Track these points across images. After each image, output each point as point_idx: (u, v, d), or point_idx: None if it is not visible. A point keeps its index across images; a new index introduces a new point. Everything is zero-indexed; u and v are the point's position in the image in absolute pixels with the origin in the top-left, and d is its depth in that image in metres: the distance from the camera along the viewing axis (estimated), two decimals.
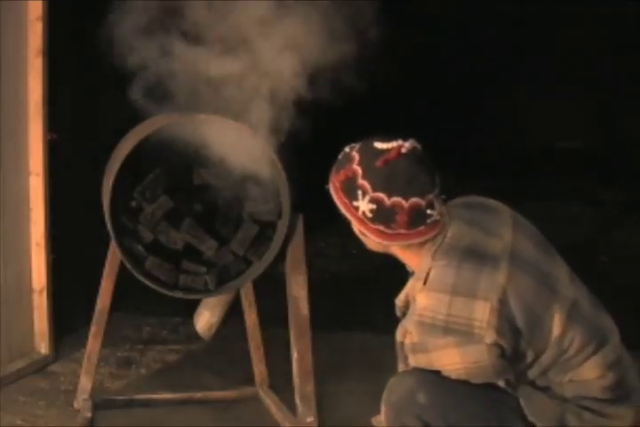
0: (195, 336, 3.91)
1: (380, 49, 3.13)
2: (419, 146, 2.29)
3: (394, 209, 2.22)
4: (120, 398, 3.72)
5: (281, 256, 3.45)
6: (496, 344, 2.19)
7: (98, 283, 3.51)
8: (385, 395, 2.37)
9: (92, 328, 3.56)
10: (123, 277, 3.44)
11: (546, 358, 2.28)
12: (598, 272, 5.47)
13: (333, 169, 2.34)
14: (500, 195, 2.56)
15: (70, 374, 3.97)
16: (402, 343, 2.33)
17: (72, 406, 3.62)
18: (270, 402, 3.66)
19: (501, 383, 2.32)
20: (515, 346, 2.23)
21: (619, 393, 2.33)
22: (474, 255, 2.27)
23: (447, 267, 2.25)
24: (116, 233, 3.30)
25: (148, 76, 3.12)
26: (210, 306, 3.68)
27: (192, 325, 3.81)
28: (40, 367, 4.05)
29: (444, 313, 2.20)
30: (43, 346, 4.11)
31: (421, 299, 2.25)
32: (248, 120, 3.17)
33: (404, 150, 2.25)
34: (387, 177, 2.22)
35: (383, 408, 2.37)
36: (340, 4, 3.02)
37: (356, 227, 2.34)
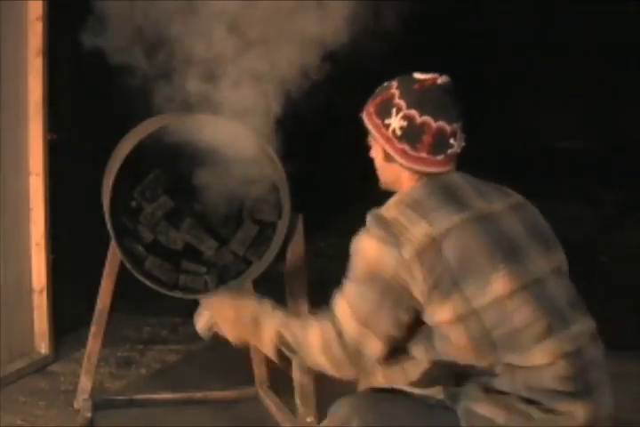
0: (195, 336, 3.91)
1: (382, 47, 3.14)
2: (452, 82, 2.43)
3: (422, 128, 2.35)
4: (120, 398, 3.72)
5: (281, 256, 3.45)
6: (407, 266, 2.23)
7: (98, 283, 3.52)
8: (324, 422, 2.43)
9: (92, 328, 3.56)
10: (123, 277, 3.44)
11: (487, 316, 2.24)
12: (598, 272, 5.48)
13: (370, 98, 2.46)
14: None
15: (70, 374, 3.97)
16: None
17: (72, 406, 3.62)
18: (270, 402, 3.66)
19: (441, 396, 2.31)
20: (433, 280, 2.23)
21: (577, 387, 2.27)
22: (450, 195, 2.36)
23: (422, 189, 2.37)
24: (115, 233, 3.30)
25: (148, 76, 3.12)
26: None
27: (192, 325, 3.81)
28: (40, 367, 4.05)
29: (393, 215, 2.31)
30: (43, 346, 4.12)
31: (388, 202, 2.39)
32: (248, 120, 3.17)
33: (439, 81, 2.39)
34: (421, 98, 2.36)
35: None
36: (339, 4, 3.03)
37: (381, 149, 2.43)
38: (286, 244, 3.42)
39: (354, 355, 2.33)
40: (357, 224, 2.34)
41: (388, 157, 2.41)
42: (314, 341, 2.37)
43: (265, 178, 3.33)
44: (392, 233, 2.28)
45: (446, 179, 2.39)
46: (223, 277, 3.42)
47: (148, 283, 3.33)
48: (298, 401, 3.46)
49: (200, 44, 3.09)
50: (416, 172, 2.39)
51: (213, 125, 3.22)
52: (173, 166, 3.37)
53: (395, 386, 2.40)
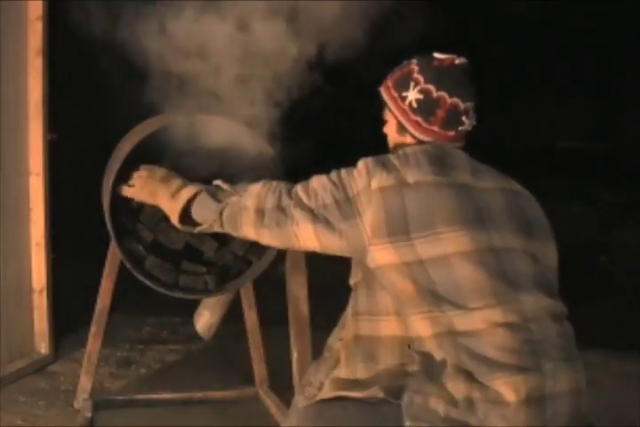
0: (195, 336, 3.91)
1: (381, 47, 3.15)
2: (469, 64, 2.56)
3: (437, 102, 2.45)
4: (120, 398, 3.72)
5: (281, 256, 3.45)
6: (369, 194, 2.32)
7: (98, 283, 3.52)
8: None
9: (92, 328, 3.56)
10: (123, 277, 3.44)
11: (433, 270, 2.26)
12: (598, 272, 5.48)
13: (389, 74, 2.56)
14: None
15: (70, 374, 3.97)
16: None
17: (72, 406, 3.62)
18: (270, 402, 3.66)
19: (381, 394, 2.30)
20: (389, 218, 2.30)
21: (523, 361, 2.23)
22: (439, 160, 2.41)
23: (417, 148, 2.44)
24: (116, 233, 3.30)
25: (148, 76, 3.12)
26: (210, 306, 3.68)
27: (192, 325, 3.81)
28: (40, 367, 4.05)
29: (380, 159, 2.41)
30: (43, 346, 4.12)
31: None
32: (248, 120, 3.17)
33: (457, 61, 2.51)
34: (439, 75, 2.47)
35: None
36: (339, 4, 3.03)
37: (395, 121, 2.51)
38: None
39: (282, 216, 2.44)
40: None
41: (401, 129, 2.50)
42: (253, 187, 2.56)
43: (265, 178, 3.33)
44: (371, 167, 2.38)
45: (447, 149, 2.46)
46: (223, 277, 3.41)
47: (148, 283, 3.33)
48: None
49: (201, 44, 3.09)
50: (423, 145, 2.46)
51: (213, 125, 3.22)
52: (174, 166, 3.36)
53: (337, 394, 2.38)
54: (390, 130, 2.56)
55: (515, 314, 2.27)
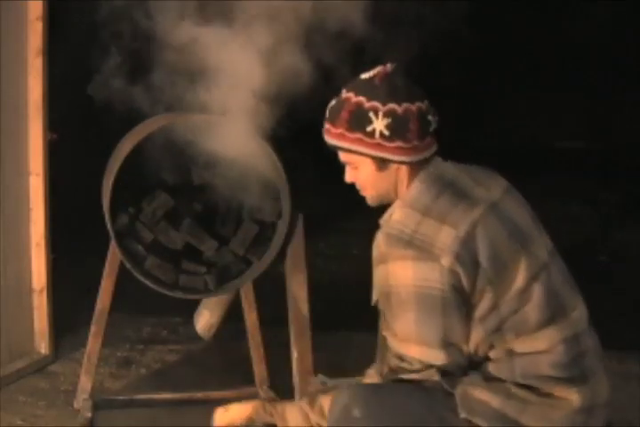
0: (195, 336, 3.91)
1: (380, 48, 3.14)
2: (399, 65, 2.40)
3: (406, 116, 2.32)
4: (120, 398, 3.71)
5: (281, 256, 3.45)
6: (452, 270, 2.22)
7: (98, 283, 3.51)
8: (327, 416, 2.41)
9: (92, 328, 3.56)
10: (123, 277, 3.44)
11: (505, 309, 2.27)
12: (598, 272, 5.47)
13: (328, 122, 2.40)
14: None
15: (70, 374, 3.96)
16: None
17: (72, 406, 3.62)
18: None
19: (437, 377, 2.30)
20: (473, 283, 2.24)
21: (573, 373, 2.30)
22: (455, 190, 2.35)
23: (428, 190, 2.34)
24: (115, 233, 3.30)
25: (148, 75, 3.12)
26: (210, 306, 3.68)
27: (192, 325, 3.81)
28: (40, 367, 4.05)
29: (412, 229, 2.27)
30: (43, 346, 4.11)
31: (395, 213, 2.34)
32: (248, 120, 3.17)
33: (389, 69, 2.36)
34: (390, 88, 2.33)
35: None
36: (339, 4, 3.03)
37: (370, 161, 2.37)
38: (286, 244, 3.42)
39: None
40: (357, 224, 2.35)
41: (381, 165, 2.36)
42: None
43: (265, 178, 3.33)
44: (421, 248, 2.24)
45: (441, 172, 2.39)
46: (223, 277, 3.41)
47: (148, 283, 3.33)
48: None
49: (202, 45, 3.09)
50: (412, 165, 2.36)
51: (214, 125, 3.22)
52: (173, 166, 3.37)
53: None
54: (366, 173, 2.39)
55: (568, 328, 2.32)
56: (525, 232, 2.37)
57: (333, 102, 2.39)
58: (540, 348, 2.29)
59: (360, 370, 2.85)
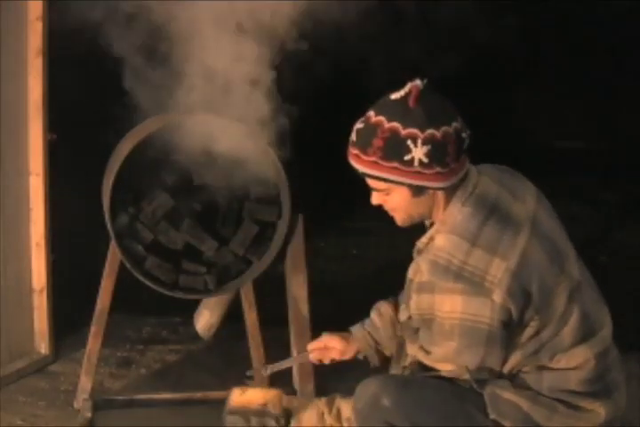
0: (195, 336, 3.91)
1: (383, 48, 3.14)
2: (428, 79, 2.27)
3: (445, 140, 2.20)
4: (120, 398, 3.71)
5: (281, 256, 3.45)
6: (503, 306, 2.18)
7: (98, 283, 3.51)
8: (353, 403, 2.40)
9: (92, 328, 3.56)
10: (123, 277, 3.44)
11: (545, 334, 2.28)
12: (598, 272, 5.47)
13: (356, 150, 2.25)
14: None
15: (70, 374, 3.96)
16: (411, 281, 2.33)
17: (72, 406, 3.62)
18: None
19: (467, 375, 2.30)
20: (522, 314, 2.22)
21: (598, 387, 2.32)
22: (499, 214, 2.27)
23: (473, 216, 2.25)
24: (115, 233, 3.30)
25: (147, 76, 3.12)
26: (210, 306, 3.68)
27: (192, 325, 3.81)
28: (40, 367, 4.05)
29: (461, 259, 2.20)
30: (43, 346, 4.11)
31: (441, 240, 2.24)
32: (248, 120, 3.17)
33: (420, 86, 2.22)
34: (427, 112, 2.19)
35: (352, 417, 2.41)
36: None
37: (407, 188, 2.25)
38: (286, 244, 3.42)
39: None
40: (357, 224, 2.34)
41: (417, 192, 2.25)
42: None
43: (265, 178, 3.33)
44: (471, 282, 2.19)
45: (482, 192, 2.29)
46: (223, 278, 3.42)
47: (148, 283, 3.33)
48: None
49: (201, 45, 3.09)
50: (450, 187, 2.27)
51: (214, 125, 3.22)
52: (173, 166, 3.37)
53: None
54: (399, 199, 2.27)
55: (598, 345, 2.34)
56: (561, 250, 2.35)
57: (361, 126, 2.25)
58: (571, 365, 2.30)
59: (360, 370, 2.86)
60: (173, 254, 3.38)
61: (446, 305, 2.21)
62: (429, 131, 2.18)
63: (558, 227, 2.42)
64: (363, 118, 2.26)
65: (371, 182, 2.28)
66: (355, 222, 6.71)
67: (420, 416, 2.28)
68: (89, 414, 3.47)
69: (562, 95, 8.76)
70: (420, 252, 2.36)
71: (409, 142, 2.18)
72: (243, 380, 2.77)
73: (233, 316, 3.72)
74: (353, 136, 2.27)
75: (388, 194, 2.28)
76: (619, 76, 8.63)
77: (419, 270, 2.28)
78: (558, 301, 2.28)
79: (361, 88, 8.45)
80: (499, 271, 2.19)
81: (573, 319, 2.30)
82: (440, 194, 2.29)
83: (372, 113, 2.24)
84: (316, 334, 3.48)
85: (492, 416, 2.28)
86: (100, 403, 3.60)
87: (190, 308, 3.76)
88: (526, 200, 2.37)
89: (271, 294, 3.68)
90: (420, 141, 2.18)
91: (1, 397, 3.71)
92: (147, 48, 3.11)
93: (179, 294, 3.39)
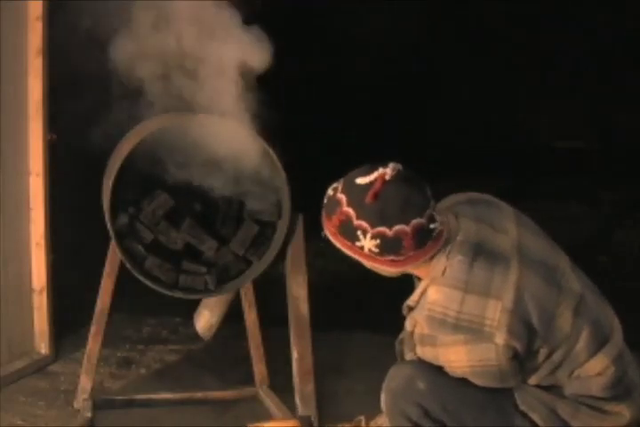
0: (195, 336, 3.91)
1: (380, 47, 3.15)
2: (400, 166, 2.25)
3: (398, 237, 2.20)
4: (120, 398, 3.71)
5: (281, 256, 3.45)
6: (507, 345, 2.20)
7: (98, 283, 3.51)
8: (385, 383, 2.40)
9: (92, 328, 3.56)
10: (123, 277, 3.44)
11: (557, 356, 2.29)
12: (598, 272, 5.47)
13: (324, 215, 2.31)
14: (500, 195, 2.56)
15: (70, 374, 3.96)
16: (412, 333, 2.34)
17: (72, 406, 3.62)
18: (270, 402, 3.66)
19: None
20: (529, 346, 2.24)
21: (619, 391, 2.34)
22: (485, 253, 2.27)
23: (461, 264, 2.25)
24: (115, 233, 3.30)
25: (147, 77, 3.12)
26: (210, 306, 3.68)
27: (192, 325, 3.81)
28: (40, 367, 4.05)
29: (455, 310, 2.21)
30: (43, 346, 4.11)
31: (433, 293, 2.26)
32: (247, 120, 3.17)
33: (387, 177, 2.21)
34: (380, 211, 2.19)
35: (383, 396, 2.40)
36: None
37: (366, 263, 2.32)
38: (286, 244, 3.42)
39: None
40: None
41: (378, 268, 2.32)
42: None
43: (265, 178, 3.33)
44: (470, 330, 2.20)
45: (464, 237, 2.28)
46: (223, 278, 3.41)
47: (148, 283, 3.33)
48: (298, 401, 3.46)
49: (201, 45, 3.09)
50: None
51: (214, 125, 3.22)
52: (173, 166, 3.37)
53: None
54: (371, 266, 2.34)
55: (614, 349, 2.35)
56: (554, 268, 2.34)
57: (330, 193, 2.28)
58: (591, 373, 2.31)
59: (360, 370, 2.88)
60: (173, 254, 3.38)
61: (451, 356, 2.24)
62: (379, 228, 2.19)
63: (545, 243, 2.41)
64: (334, 185, 2.29)
65: None
66: None
67: (452, 402, 2.30)
68: (89, 415, 3.47)
69: (562, 95, 8.76)
70: (411, 309, 2.38)
71: (359, 233, 2.21)
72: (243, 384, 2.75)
73: (233, 316, 3.72)
74: (325, 197, 2.31)
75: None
76: (619, 77, 8.63)
77: (416, 324, 2.31)
78: (563, 322, 2.28)
79: (362, 88, 8.46)
80: (496, 313, 2.20)
81: (585, 334, 2.30)
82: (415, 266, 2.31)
83: (340, 186, 2.27)
84: (316, 334, 3.48)
85: (522, 408, 2.30)
86: (100, 403, 3.60)
87: (190, 308, 3.76)
88: (507, 229, 2.35)
89: (271, 294, 3.68)
90: (369, 235, 2.20)
91: (1, 397, 3.71)
92: (146, 47, 3.10)
93: (179, 294, 3.39)
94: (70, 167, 4.46)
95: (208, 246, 3.37)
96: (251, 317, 3.75)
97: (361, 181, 2.22)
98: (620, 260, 6.10)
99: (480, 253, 2.26)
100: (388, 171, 2.21)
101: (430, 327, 2.25)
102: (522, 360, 2.26)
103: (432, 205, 2.25)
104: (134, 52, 3.07)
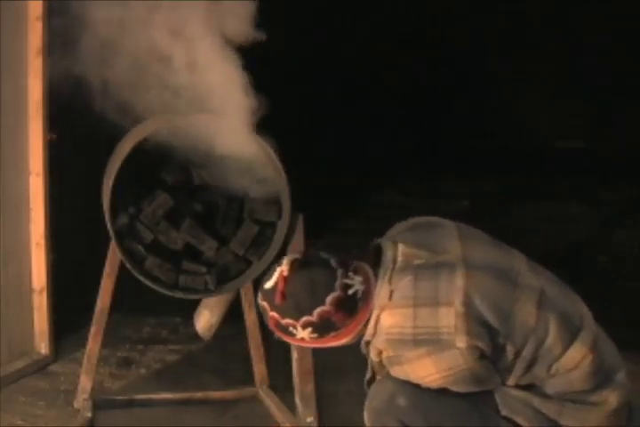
0: (195, 336, 3.91)
1: (383, 48, 3.15)
2: (296, 256, 2.36)
3: (325, 318, 2.30)
4: (120, 398, 3.72)
5: (281, 256, 3.45)
6: (470, 347, 2.22)
7: (98, 283, 3.52)
8: (367, 402, 2.45)
9: (92, 328, 3.56)
10: (123, 277, 3.44)
11: (528, 352, 2.29)
12: (598, 272, 5.47)
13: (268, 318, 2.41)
14: (501, 195, 2.57)
15: (70, 374, 3.97)
16: (380, 362, 2.39)
17: (72, 406, 3.62)
18: (270, 402, 3.66)
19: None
20: (493, 345, 2.25)
21: (600, 378, 2.34)
22: (426, 267, 2.31)
23: (404, 283, 2.30)
24: (115, 233, 3.30)
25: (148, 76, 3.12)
26: (210, 306, 3.68)
27: (192, 325, 3.81)
28: (40, 367, 4.05)
29: (411, 326, 2.25)
30: (43, 346, 4.11)
31: (386, 319, 2.31)
32: (247, 120, 3.17)
33: (285, 274, 2.32)
34: (294, 305, 2.31)
35: (365, 415, 2.45)
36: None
37: (321, 347, 2.42)
38: (286, 244, 3.42)
39: None
40: (357, 224, 2.34)
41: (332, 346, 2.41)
42: None
43: (265, 178, 3.33)
44: (430, 341, 2.23)
45: (402, 263, 2.33)
46: (223, 278, 3.41)
47: (148, 283, 3.33)
48: (298, 401, 3.46)
49: (199, 45, 3.09)
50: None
51: (214, 125, 3.22)
52: (173, 166, 3.37)
53: None
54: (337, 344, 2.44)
55: (588, 336, 2.34)
56: (506, 268, 2.35)
57: (258, 301, 2.40)
58: (570, 366, 2.31)
59: (360, 370, 2.87)
60: (173, 254, 3.38)
61: (420, 372, 2.27)
62: (304, 319, 2.30)
63: (494, 248, 2.42)
64: (259, 294, 2.40)
65: None
66: (355, 222, 6.71)
67: (435, 416, 2.31)
68: (89, 414, 3.48)
69: (562, 95, 8.76)
70: (368, 343, 2.42)
71: (291, 329, 2.33)
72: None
73: (233, 316, 3.72)
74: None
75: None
76: (619, 77, 8.63)
77: (381, 351, 2.35)
78: (525, 316, 2.29)
79: (363, 89, 8.46)
80: (450, 319, 2.22)
81: (553, 326, 2.30)
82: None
83: (260, 294, 2.39)
84: None
85: (504, 413, 2.30)
86: (100, 403, 3.60)
87: (190, 308, 3.76)
88: (448, 249, 2.36)
89: None
90: (299, 328, 2.32)
91: (1, 397, 3.71)
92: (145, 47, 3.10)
93: (179, 294, 3.39)
94: (70, 167, 4.46)
95: (208, 246, 3.37)
96: (251, 317, 3.75)
97: (267, 285, 2.35)
98: (620, 260, 6.10)
99: (422, 268, 2.31)
100: (284, 267, 2.33)
101: (393, 349, 2.29)
102: (492, 360, 2.25)
103: (342, 274, 2.32)
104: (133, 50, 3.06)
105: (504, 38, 8.69)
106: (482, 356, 2.24)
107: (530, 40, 8.72)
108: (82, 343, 3.74)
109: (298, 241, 3.45)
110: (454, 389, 2.30)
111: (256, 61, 3.09)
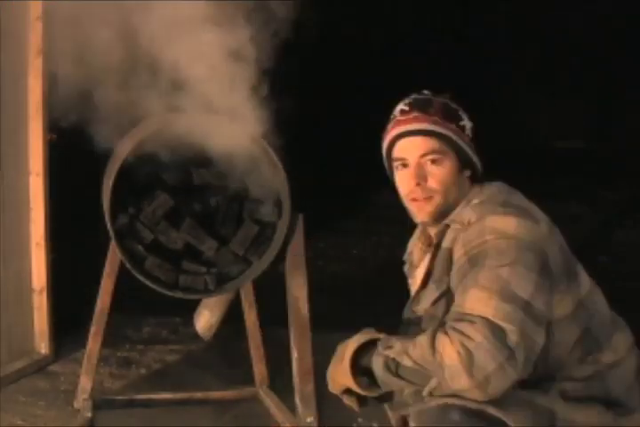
0: (195, 336, 3.91)
1: (381, 47, 3.15)
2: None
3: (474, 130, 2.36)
4: (120, 398, 3.72)
5: (281, 256, 3.45)
6: (546, 238, 2.17)
7: (98, 283, 3.52)
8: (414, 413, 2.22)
9: (92, 328, 3.56)
10: (123, 277, 3.44)
11: (586, 309, 2.21)
12: (598, 272, 5.47)
13: (416, 113, 2.33)
14: None
15: (70, 374, 3.97)
16: (447, 249, 2.24)
17: (72, 406, 3.62)
18: (270, 402, 3.66)
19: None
20: (558, 264, 2.17)
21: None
22: (514, 207, 2.24)
23: (496, 190, 2.31)
24: (115, 233, 3.30)
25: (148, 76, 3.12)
26: (210, 306, 3.68)
27: (192, 325, 3.81)
28: (40, 367, 4.05)
29: (502, 200, 2.26)
30: (43, 346, 4.12)
31: (468, 209, 2.24)
32: (248, 120, 3.17)
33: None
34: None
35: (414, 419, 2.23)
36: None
37: (456, 159, 2.32)
38: (286, 244, 3.42)
39: (515, 361, 1.97)
40: (357, 224, 2.34)
41: (462, 166, 2.33)
42: (447, 355, 1.98)
43: (265, 178, 3.33)
44: (520, 209, 2.20)
45: (492, 196, 2.32)
46: (223, 277, 3.42)
47: (148, 283, 3.33)
48: (298, 401, 3.46)
49: (198, 45, 3.09)
50: (476, 178, 2.35)
51: (214, 125, 3.22)
52: (173, 166, 3.37)
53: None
54: (446, 171, 2.30)
55: (628, 339, 2.31)
56: (571, 261, 2.30)
57: (415, 97, 2.36)
58: (622, 353, 2.25)
59: None
60: (173, 254, 3.38)
61: (499, 225, 2.14)
62: (467, 115, 2.37)
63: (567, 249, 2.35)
64: (406, 100, 2.38)
65: (426, 144, 2.30)
66: (355, 222, 6.71)
67: None
68: (89, 414, 3.48)
69: (562, 95, 8.76)
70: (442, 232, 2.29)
71: (460, 112, 2.36)
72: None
73: (233, 316, 3.73)
74: (406, 106, 2.35)
75: (437, 160, 2.29)
76: (619, 77, 8.64)
77: (458, 220, 2.24)
78: (582, 279, 2.24)
79: (363, 88, 8.46)
80: (539, 214, 2.23)
81: (602, 303, 2.28)
82: (468, 184, 2.32)
83: (411, 98, 2.37)
84: (316, 334, 3.48)
85: None
86: (100, 403, 3.60)
87: (190, 308, 3.76)
88: (539, 219, 2.25)
89: (271, 294, 3.68)
90: (465, 117, 2.36)
91: (1, 397, 3.71)
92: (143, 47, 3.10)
93: (179, 294, 3.39)
94: (70, 167, 4.46)
95: (208, 246, 3.37)
96: (251, 317, 3.75)
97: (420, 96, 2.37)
98: (620, 260, 6.10)
99: (509, 206, 2.23)
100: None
101: (477, 213, 2.21)
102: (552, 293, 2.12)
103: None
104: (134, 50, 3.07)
105: (504, 38, 8.69)
106: (547, 259, 2.13)
107: (530, 40, 8.72)
108: (82, 343, 3.74)
109: (298, 241, 3.45)
110: (517, 265, 2.07)
111: (256, 61, 3.09)
